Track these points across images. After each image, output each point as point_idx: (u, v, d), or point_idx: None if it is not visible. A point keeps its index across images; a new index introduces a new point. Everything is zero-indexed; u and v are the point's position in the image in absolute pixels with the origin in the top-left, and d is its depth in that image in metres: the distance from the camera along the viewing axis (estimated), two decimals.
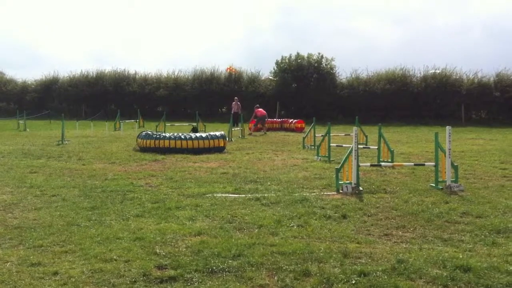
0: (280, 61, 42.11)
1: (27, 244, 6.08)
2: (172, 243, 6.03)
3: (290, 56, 41.79)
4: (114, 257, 5.51)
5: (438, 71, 38.33)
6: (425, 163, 11.57)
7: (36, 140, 20.70)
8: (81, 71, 48.19)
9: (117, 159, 14.08)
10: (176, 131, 22.74)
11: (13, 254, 5.67)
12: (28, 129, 28.24)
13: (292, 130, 27.47)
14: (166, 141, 15.86)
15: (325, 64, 41.21)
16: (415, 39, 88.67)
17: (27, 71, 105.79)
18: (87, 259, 5.48)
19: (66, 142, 19.46)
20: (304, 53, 41.71)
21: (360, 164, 9.79)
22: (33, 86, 49.70)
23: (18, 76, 63.67)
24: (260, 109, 27.13)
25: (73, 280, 4.87)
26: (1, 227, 6.85)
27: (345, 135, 20.20)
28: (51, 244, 6.05)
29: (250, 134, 25.07)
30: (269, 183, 10.13)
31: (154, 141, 15.96)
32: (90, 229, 6.71)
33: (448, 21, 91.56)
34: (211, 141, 16.06)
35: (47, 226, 6.86)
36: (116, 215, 7.46)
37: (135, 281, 4.84)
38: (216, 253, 5.61)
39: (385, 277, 4.88)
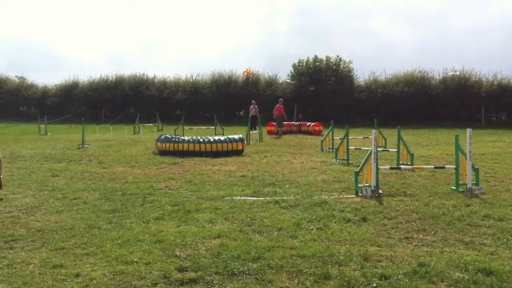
0: (297, 64, 42.12)
1: (49, 246, 6.16)
2: (192, 246, 6.06)
3: (308, 59, 41.81)
4: (135, 259, 5.56)
5: (457, 73, 37.98)
6: (446, 166, 11.47)
7: (57, 144, 20.95)
8: (101, 75, 48.81)
9: (136, 163, 14.19)
10: (194, 134, 22.85)
11: (35, 256, 5.74)
12: (49, 133, 28.60)
13: (310, 133, 27.41)
14: (185, 144, 15.96)
15: (343, 67, 41.14)
16: (434, 41, 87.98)
17: (47, 75, 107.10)
18: (108, 261, 5.54)
19: (87, 145, 19.65)
20: (322, 56, 41.76)
21: (380, 167, 9.74)
22: (53, 91, 50.39)
23: (38, 79, 64.67)
24: (277, 106, 27.57)
25: (95, 282, 4.92)
26: (24, 229, 6.95)
27: (363, 138, 20.09)
28: (73, 247, 6.12)
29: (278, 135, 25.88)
30: (287, 186, 10.13)
31: (173, 145, 16.06)
32: (111, 231, 6.78)
33: (467, 22, 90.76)
34: (230, 144, 16.11)
35: (69, 228, 6.95)
36: (137, 218, 7.52)
37: (156, 283, 4.88)
38: (236, 255, 5.62)
39: (406, 280, 4.85)
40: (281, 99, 29.50)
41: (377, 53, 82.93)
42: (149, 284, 4.85)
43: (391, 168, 11.61)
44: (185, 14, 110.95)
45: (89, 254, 5.80)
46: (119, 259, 5.57)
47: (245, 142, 18.12)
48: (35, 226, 7.11)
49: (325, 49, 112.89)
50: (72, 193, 9.57)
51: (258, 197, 9.07)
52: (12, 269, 5.32)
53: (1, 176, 5.83)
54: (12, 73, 62.26)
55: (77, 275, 5.10)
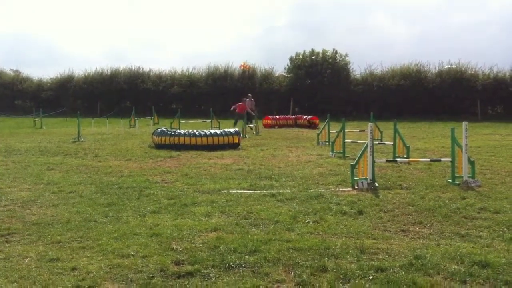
0: (294, 57, 42.07)
1: (45, 240, 6.15)
2: (189, 239, 6.06)
3: (304, 52, 41.75)
4: (132, 252, 5.55)
5: (453, 66, 38.03)
6: (441, 159, 11.49)
7: (52, 138, 20.89)
8: (96, 68, 48.53)
9: (132, 156, 14.16)
10: (190, 128, 22.83)
11: (32, 250, 5.73)
12: (44, 127, 28.50)
13: (306, 127, 27.42)
14: (181, 138, 15.93)
15: (339, 60, 41.13)
16: (430, 35, 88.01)
17: (43, 68, 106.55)
18: (105, 254, 5.53)
19: (82, 139, 19.59)
20: (319, 49, 41.70)
21: (376, 160, 9.74)
22: (48, 84, 50.11)
23: (34, 73, 64.40)
24: (239, 104, 26.76)
25: (91, 275, 4.92)
26: (20, 223, 6.93)
27: (359, 131, 20.12)
28: (69, 240, 6.11)
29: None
30: (284, 179, 10.13)
31: (169, 138, 16.03)
32: (107, 225, 6.77)
33: (464, 17, 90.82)
34: (226, 138, 16.09)
35: (65, 222, 6.93)
36: (133, 211, 7.51)
37: (152, 277, 4.88)
38: (233, 248, 5.63)
39: (403, 272, 4.86)
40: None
41: (374, 47, 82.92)
42: (146, 277, 4.85)
43: (387, 161, 11.62)
44: (182, 8, 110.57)
45: (86, 248, 5.80)
46: (116, 253, 5.56)
47: (241, 135, 18.09)
48: (31, 220, 7.09)
49: (323, 44, 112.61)
50: (68, 187, 9.55)
51: (254, 190, 9.07)
52: (9, 262, 5.31)
53: None
54: (6, 67, 61.89)
55: (74, 269, 5.10)
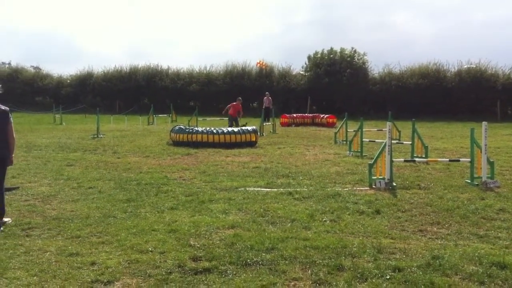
0: (312, 55, 41.94)
1: (65, 234, 6.23)
2: (206, 236, 6.10)
3: (323, 51, 41.58)
4: (150, 248, 5.61)
5: (473, 66, 37.58)
6: (460, 159, 11.38)
7: (72, 134, 21.12)
8: (115, 66, 48.98)
9: (151, 153, 14.27)
10: (208, 125, 22.90)
11: (52, 244, 5.82)
12: (64, 123, 28.81)
13: (324, 125, 27.35)
14: (199, 135, 16.00)
15: (358, 59, 40.92)
16: (450, 34, 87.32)
17: (63, 66, 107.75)
18: (124, 250, 5.59)
19: (101, 135, 19.79)
20: (337, 48, 41.52)
21: (394, 159, 9.69)
22: (68, 81, 50.64)
23: (54, 70, 65.04)
24: (234, 104, 22.54)
25: (110, 270, 4.98)
26: (40, 218, 7.03)
27: (377, 130, 20.00)
28: (89, 235, 6.19)
29: None
30: (301, 178, 10.13)
31: (187, 135, 16.12)
32: (126, 220, 6.84)
33: (484, 16, 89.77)
34: (243, 136, 16.13)
35: (84, 217, 7.02)
36: (151, 208, 7.57)
37: (170, 272, 4.92)
38: (250, 246, 5.65)
39: (420, 272, 4.84)
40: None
41: (392, 46, 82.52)
42: (164, 273, 4.90)
43: (405, 161, 11.56)
44: (201, 5, 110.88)
45: (105, 243, 5.87)
46: (134, 248, 5.63)
47: (259, 133, 18.12)
48: (51, 215, 7.19)
49: (341, 42, 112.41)
50: (88, 183, 9.66)
51: (271, 188, 9.09)
52: (29, 256, 5.40)
53: (13, 155, 6.20)
54: (27, 64, 62.70)
55: (93, 263, 5.17)
